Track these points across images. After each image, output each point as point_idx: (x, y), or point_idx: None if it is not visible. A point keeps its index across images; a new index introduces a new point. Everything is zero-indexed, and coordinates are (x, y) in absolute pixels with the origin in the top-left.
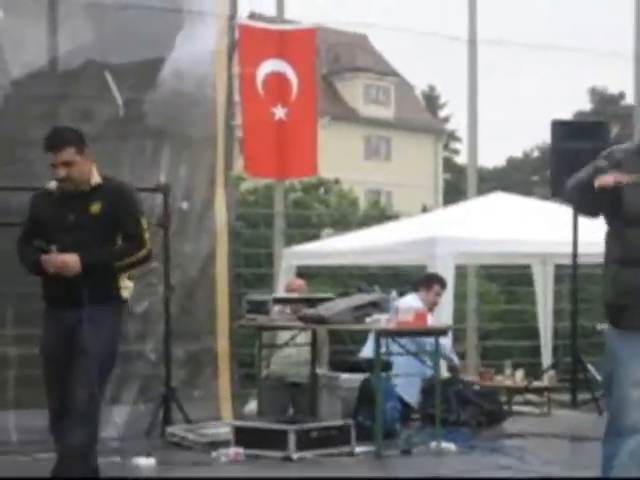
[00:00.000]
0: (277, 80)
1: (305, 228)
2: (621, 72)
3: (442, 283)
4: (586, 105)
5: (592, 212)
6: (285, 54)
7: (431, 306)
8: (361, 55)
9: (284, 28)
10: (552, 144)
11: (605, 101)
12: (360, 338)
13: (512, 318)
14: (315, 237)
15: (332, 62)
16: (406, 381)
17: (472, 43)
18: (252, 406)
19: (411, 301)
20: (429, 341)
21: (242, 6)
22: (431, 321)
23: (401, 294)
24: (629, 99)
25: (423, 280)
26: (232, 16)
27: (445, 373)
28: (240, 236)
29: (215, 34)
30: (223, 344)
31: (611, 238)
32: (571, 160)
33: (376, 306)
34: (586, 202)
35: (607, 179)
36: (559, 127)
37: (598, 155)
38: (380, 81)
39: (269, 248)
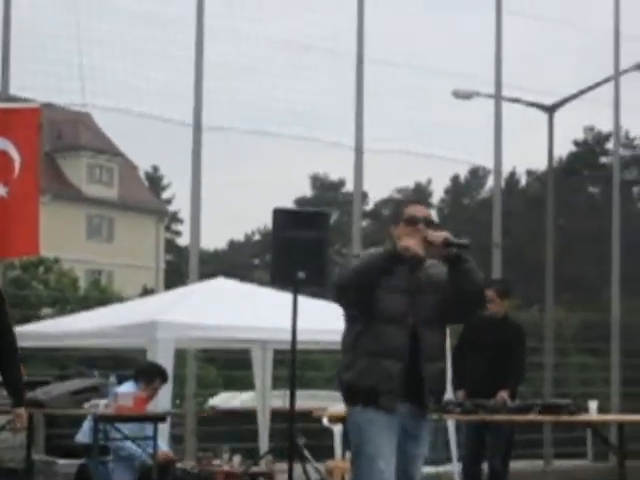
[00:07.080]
0: None
1: (23, 308)
2: (342, 160)
3: (163, 377)
4: (307, 191)
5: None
6: (7, 132)
7: (148, 399)
8: (85, 133)
9: (7, 106)
10: (274, 232)
11: (325, 188)
12: (77, 421)
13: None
14: (34, 317)
15: (55, 140)
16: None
17: (197, 127)
18: None
19: (129, 390)
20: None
21: None
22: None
23: (120, 379)
24: (349, 186)
25: (144, 372)
26: None
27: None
28: None
29: None
30: None
31: (366, 334)
32: (292, 247)
33: (95, 391)
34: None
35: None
36: (281, 215)
37: (318, 243)
38: (104, 160)
39: None
